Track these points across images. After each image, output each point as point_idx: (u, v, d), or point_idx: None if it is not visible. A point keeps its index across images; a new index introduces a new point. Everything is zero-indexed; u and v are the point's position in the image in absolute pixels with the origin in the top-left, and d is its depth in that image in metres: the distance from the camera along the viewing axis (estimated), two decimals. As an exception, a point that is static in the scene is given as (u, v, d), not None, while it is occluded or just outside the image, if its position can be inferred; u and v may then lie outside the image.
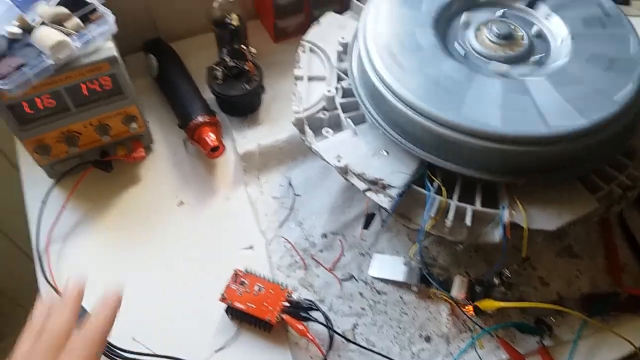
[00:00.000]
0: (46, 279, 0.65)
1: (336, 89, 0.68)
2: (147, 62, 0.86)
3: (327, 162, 0.61)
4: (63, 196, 0.72)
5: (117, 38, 0.68)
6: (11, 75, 0.59)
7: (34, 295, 0.54)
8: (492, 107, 0.56)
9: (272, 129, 0.79)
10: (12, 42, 0.62)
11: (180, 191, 0.74)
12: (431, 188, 0.57)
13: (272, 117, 0.82)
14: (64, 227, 0.70)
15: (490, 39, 0.64)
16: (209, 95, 0.80)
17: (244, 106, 0.81)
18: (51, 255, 0.68)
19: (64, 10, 0.63)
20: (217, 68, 0.80)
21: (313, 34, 0.76)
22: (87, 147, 0.72)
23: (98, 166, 0.73)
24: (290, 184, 0.74)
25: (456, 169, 0.58)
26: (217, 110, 0.80)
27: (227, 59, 0.79)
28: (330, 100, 0.67)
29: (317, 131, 0.66)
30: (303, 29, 0.81)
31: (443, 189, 0.57)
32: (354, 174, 0.60)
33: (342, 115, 0.65)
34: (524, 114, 0.55)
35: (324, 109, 0.67)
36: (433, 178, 0.58)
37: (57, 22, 0.63)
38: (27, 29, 0.63)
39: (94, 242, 0.70)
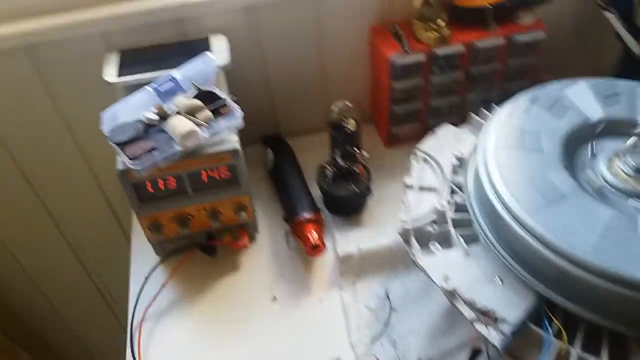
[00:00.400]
0: (133, 356, 0.64)
1: (448, 202, 0.64)
2: (263, 155, 0.89)
3: (432, 280, 0.56)
4: (165, 274, 0.73)
5: (244, 131, 0.71)
6: (142, 157, 0.63)
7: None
8: (634, 249, 0.49)
9: (374, 233, 0.76)
10: (148, 127, 0.67)
11: (275, 285, 0.72)
12: (550, 329, 0.50)
13: (376, 221, 0.79)
14: (160, 305, 0.71)
15: (625, 171, 0.58)
16: (316, 192, 0.80)
17: (349, 206, 0.80)
18: (143, 332, 0.68)
19: (198, 102, 0.68)
20: (328, 167, 0.80)
21: (428, 144, 0.74)
22: (196, 230, 0.74)
23: (204, 250, 0.74)
24: (387, 296, 0.69)
25: (581, 312, 0.50)
26: (322, 207, 0.80)
27: (339, 159, 0.79)
28: (442, 214, 0.63)
29: (424, 244, 0.62)
30: (416, 136, 0.79)
31: (563, 332, 0.50)
32: (463, 299, 0.54)
33: (454, 232, 0.61)
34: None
35: (433, 222, 0.63)
36: (552, 318, 0.51)
37: (191, 112, 0.67)
38: (163, 117, 0.67)
39: (185, 325, 0.69)
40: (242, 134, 0.71)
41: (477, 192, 0.61)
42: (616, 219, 0.52)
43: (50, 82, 0.81)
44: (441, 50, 0.82)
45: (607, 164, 0.59)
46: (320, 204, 0.80)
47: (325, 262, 0.75)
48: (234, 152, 0.67)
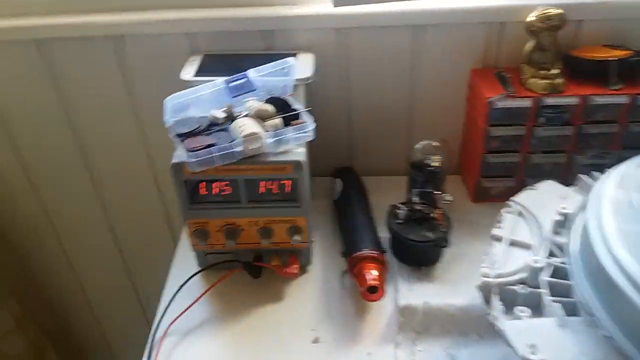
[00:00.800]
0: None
1: (546, 264, 0.51)
2: (332, 186, 0.81)
3: (513, 349, 0.43)
4: (201, 288, 0.65)
5: (313, 159, 0.64)
6: (199, 151, 0.57)
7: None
8: None
9: (446, 290, 0.64)
10: (213, 125, 0.62)
11: (320, 326, 0.62)
12: None
13: (449, 278, 0.67)
14: (189, 321, 0.62)
15: None
16: (384, 235, 0.70)
17: (419, 256, 0.68)
18: (166, 346, 0.59)
19: (269, 108, 0.62)
20: (401, 207, 0.70)
21: (525, 197, 0.62)
22: (243, 247, 0.66)
23: (247, 269, 0.65)
24: (452, 365, 0.56)
25: None
26: (389, 254, 0.69)
27: (416, 199, 0.69)
28: (534, 274, 0.50)
29: (508, 307, 0.49)
30: (508, 194, 0.68)
31: None
32: (553, 381, 0.41)
33: (547, 298, 0.48)
34: None
35: (522, 282, 0.51)
36: None
37: (260, 117, 0.61)
38: (231, 118, 0.62)
39: (211, 348, 0.60)
40: (315, 163, 0.64)
41: (585, 256, 0.48)
42: None
43: (129, 74, 0.80)
44: (551, 100, 0.72)
45: None
46: (386, 248, 0.69)
47: (382, 312, 0.63)
48: (297, 164, 0.59)
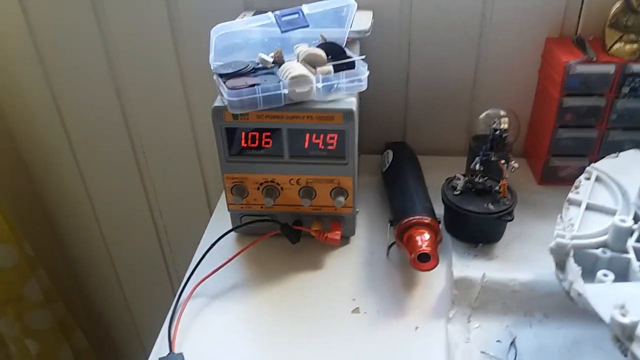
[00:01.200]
0: (169, 334, 0.53)
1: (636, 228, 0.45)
2: (381, 160, 0.76)
3: (597, 313, 0.38)
4: (235, 251, 0.62)
5: (361, 134, 0.61)
6: (242, 90, 0.54)
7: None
8: None
9: (507, 267, 0.58)
10: (260, 68, 0.59)
11: (361, 297, 0.57)
12: None
13: (509, 256, 0.61)
14: (218, 284, 0.59)
15: None
16: (438, 213, 0.64)
17: (479, 230, 0.63)
18: (191, 309, 0.56)
19: (320, 53, 0.58)
20: (460, 177, 0.65)
21: (607, 163, 0.56)
22: (282, 209, 0.62)
23: (286, 232, 0.62)
24: (513, 345, 0.50)
25: None
26: (442, 231, 0.64)
27: (478, 168, 0.63)
28: (621, 236, 0.44)
29: (587, 273, 0.43)
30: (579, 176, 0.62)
31: None
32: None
33: (637, 264, 0.42)
34: None
35: (604, 245, 0.45)
36: None
37: (310, 62, 0.58)
38: (279, 62, 0.59)
39: (239, 315, 0.56)
40: (361, 139, 0.60)
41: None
42: None
43: (178, 29, 0.79)
44: (638, 67, 0.66)
45: None
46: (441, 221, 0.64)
47: (433, 284, 0.58)
48: (347, 113, 0.56)
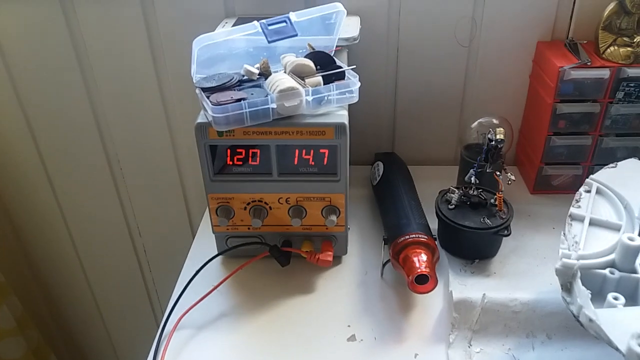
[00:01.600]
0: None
1: (638, 246, 0.45)
2: (372, 172, 0.76)
3: (611, 342, 0.37)
4: (220, 277, 0.60)
5: (352, 147, 0.60)
6: (227, 106, 0.52)
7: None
8: None
9: (506, 286, 0.58)
10: (246, 80, 0.58)
11: (356, 322, 0.56)
12: None
13: (506, 272, 0.61)
14: (204, 313, 0.57)
15: None
16: (432, 227, 0.64)
17: (476, 245, 0.62)
18: (172, 343, 0.54)
19: (309, 63, 0.57)
20: (454, 190, 0.64)
21: (606, 174, 0.56)
22: (271, 229, 0.61)
23: (275, 255, 0.60)
24: (518, 371, 0.50)
25: None
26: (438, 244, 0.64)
27: (473, 181, 0.63)
28: (629, 255, 0.44)
29: (595, 294, 0.43)
30: (573, 186, 0.62)
31: None
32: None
33: (646, 284, 0.42)
34: None
35: (611, 265, 0.45)
36: None
37: (298, 74, 0.57)
38: (266, 74, 0.58)
39: (228, 346, 0.54)
40: (350, 150, 0.59)
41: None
42: None
43: (156, 36, 0.77)
44: (633, 71, 0.66)
45: None
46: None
47: (431, 308, 0.57)
48: (340, 128, 0.55)
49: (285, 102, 0.53)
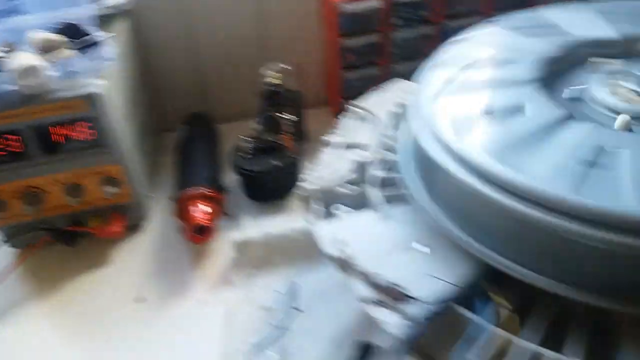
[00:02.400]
0: None
1: (380, 160, 0.51)
2: (177, 136, 0.78)
3: (322, 250, 0.42)
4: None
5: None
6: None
7: None
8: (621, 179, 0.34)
9: (293, 218, 0.63)
10: (-12, 66, 0.58)
11: (147, 285, 0.59)
12: (486, 312, 0.35)
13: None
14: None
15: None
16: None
17: (269, 187, 0.67)
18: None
19: (55, 37, 0.58)
20: (248, 140, 0.68)
21: (369, 99, 0.61)
22: (53, 212, 0.62)
23: (57, 237, 0.62)
24: (291, 293, 0.54)
25: (540, 283, 0.35)
26: (242, 197, 0.68)
27: (258, 127, 0.67)
28: (363, 170, 0.49)
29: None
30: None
31: (509, 314, 0.35)
32: (360, 272, 0.40)
33: (371, 191, 0.47)
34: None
35: (351, 183, 0.50)
36: (492, 295, 0.36)
37: (46, 49, 0.58)
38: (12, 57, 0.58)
39: (22, 335, 0.56)
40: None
41: (409, 140, 0.48)
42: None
43: None
44: (404, -5, 0.72)
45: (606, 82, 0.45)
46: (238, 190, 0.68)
47: (219, 256, 0.61)
48: (91, 97, 0.56)
49: (24, 81, 0.54)
